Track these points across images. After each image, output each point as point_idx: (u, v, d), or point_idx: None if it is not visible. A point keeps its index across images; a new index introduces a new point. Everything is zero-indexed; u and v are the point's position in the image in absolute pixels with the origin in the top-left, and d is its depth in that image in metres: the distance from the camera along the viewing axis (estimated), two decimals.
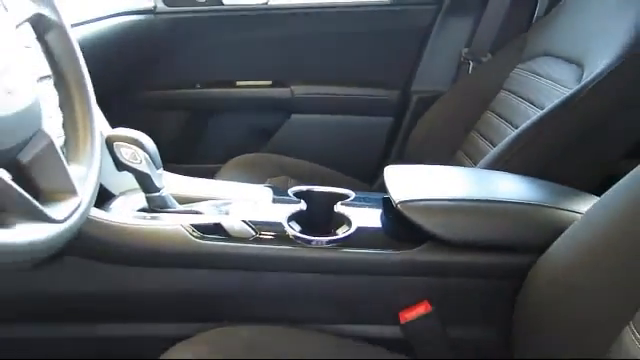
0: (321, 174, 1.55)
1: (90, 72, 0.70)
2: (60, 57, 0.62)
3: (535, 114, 1.11)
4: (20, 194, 0.46)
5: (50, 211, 0.50)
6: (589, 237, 0.71)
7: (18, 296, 0.84)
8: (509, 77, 1.37)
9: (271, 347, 0.79)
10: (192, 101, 1.81)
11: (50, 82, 0.63)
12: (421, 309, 0.84)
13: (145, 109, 1.74)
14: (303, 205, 0.91)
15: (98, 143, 0.66)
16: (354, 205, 0.92)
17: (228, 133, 1.83)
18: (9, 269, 0.80)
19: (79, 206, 0.55)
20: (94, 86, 0.71)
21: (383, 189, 0.87)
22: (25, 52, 0.57)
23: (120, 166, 0.84)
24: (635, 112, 1.07)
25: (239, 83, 1.78)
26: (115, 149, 0.83)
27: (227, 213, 0.88)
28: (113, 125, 0.89)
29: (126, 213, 0.87)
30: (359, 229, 0.85)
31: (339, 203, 0.92)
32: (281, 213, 0.88)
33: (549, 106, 1.07)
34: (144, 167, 0.85)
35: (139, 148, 0.84)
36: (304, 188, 0.95)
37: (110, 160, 0.83)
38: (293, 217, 0.88)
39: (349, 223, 0.86)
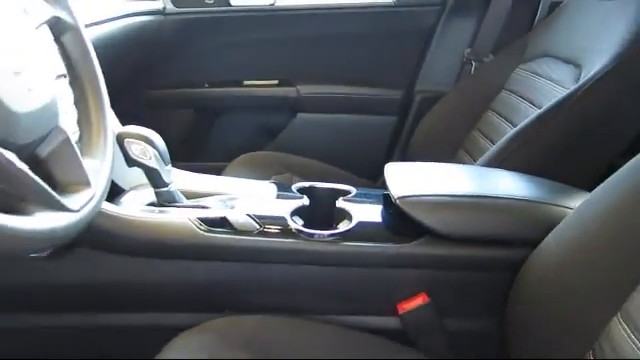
0: (325, 172, 1.57)
1: (102, 71, 0.72)
2: (75, 58, 0.65)
3: (534, 113, 1.12)
4: (39, 185, 0.49)
5: (66, 201, 0.53)
6: (579, 232, 0.72)
7: (33, 286, 0.87)
8: (510, 77, 1.37)
9: (274, 336, 0.81)
10: (200, 100, 1.82)
11: (65, 81, 0.66)
12: (419, 300, 0.85)
13: (154, 108, 1.76)
14: (306, 200, 0.93)
15: (110, 139, 0.68)
16: (355, 201, 0.94)
17: (235, 131, 1.84)
18: (26, 258, 0.84)
19: (93, 197, 0.58)
20: (106, 85, 0.73)
21: (386, 186, 0.89)
22: (43, 53, 0.59)
23: (130, 162, 0.86)
24: (630, 111, 1.08)
25: (246, 82, 1.80)
26: (126, 145, 0.85)
27: (233, 208, 0.90)
28: (123, 123, 0.91)
29: (136, 207, 0.89)
30: (359, 223, 0.87)
31: (341, 199, 0.94)
32: (285, 208, 0.90)
33: (546, 106, 1.08)
34: (153, 163, 0.87)
35: (149, 145, 0.86)
36: (307, 184, 0.97)
37: (121, 156, 0.84)
38: (296, 212, 0.90)
39: (350, 218, 0.88)
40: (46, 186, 0.50)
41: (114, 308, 0.89)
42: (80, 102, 0.66)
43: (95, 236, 0.81)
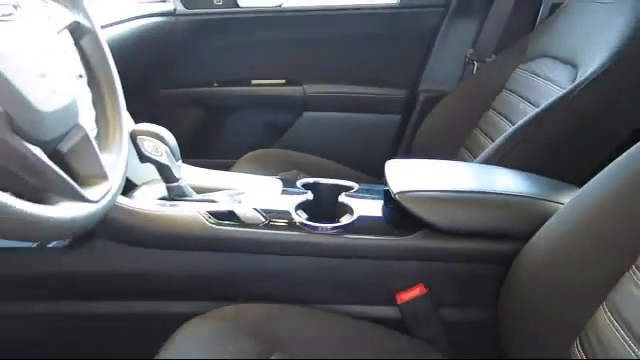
0: (331, 169, 1.58)
1: (117, 71, 0.75)
2: (93, 60, 0.69)
3: (532, 112, 1.13)
4: (62, 177, 0.53)
5: (86, 193, 0.56)
6: (568, 226, 0.74)
7: (51, 275, 0.90)
8: (511, 77, 1.39)
9: (279, 324, 0.83)
10: (209, 99, 1.83)
11: (84, 81, 0.69)
12: (416, 291, 0.87)
13: (165, 106, 1.78)
14: (310, 195, 0.95)
15: (126, 135, 0.72)
16: (357, 196, 0.96)
17: (243, 129, 1.85)
18: (46, 249, 0.88)
19: (110, 189, 0.62)
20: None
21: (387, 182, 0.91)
22: (65, 56, 0.63)
23: (143, 158, 0.89)
24: (625, 110, 1.09)
25: (254, 82, 1.82)
26: (138, 142, 0.88)
27: (240, 202, 0.93)
28: (136, 121, 0.93)
29: (148, 201, 0.92)
30: (360, 217, 0.89)
31: (343, 194, 0.96)
32: (289, 202, 0.92)
33: (543, 105, 1.10)
34: (165, 159, 0.90)
35: (160, 142, 0.89)
36: (311, 180, 1.00)
37: (134, 153, 0.87)
38: (300, 206, 0.93)
39: (352, 212, 0.91)
40: (68, 178, 0.54)
41: (127, 296, 0.91)
42: (97, 101, 0.70)
43: (110, 228, 0.84)
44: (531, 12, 1.60)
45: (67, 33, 0.65)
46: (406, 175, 0.92)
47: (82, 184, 0.58)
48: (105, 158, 0.64)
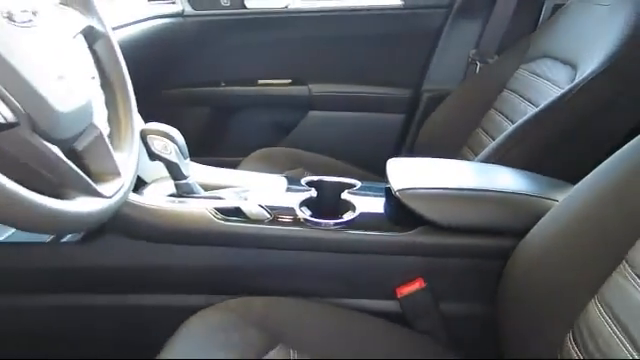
0: (336, 167, 1.59)
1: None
2: (106, 62, 0.71)
3: (531, 112, 1.14)
4: (78, 174, 0.56)
5: (100, 188, 0.59)
6: (562, 222, 0.76)
7: (65, 269, 0.92)
8: (512, 77, 1.40)
9: (284, 316, 0.85)
10: (216, 98, 1.84)
11: (97, 83, 0.72)
12: (416, 285, 0.89)
13: (173, 105, 1.80)
14: (314, 193, 0.97)
15: (137, 135, 0.74)
16: (359, 193, 0.98)
17: (249, 128, 1.87)
18: (60, 244, 0.91)
19: (123, 185, 0.64)
20: None
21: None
22: (80, 59, 0.66)
23: (152, 156, 0.91)
24: (623, 110, 1.10)
25: (260, 81, 1.83)
26: (148, 141, 0.90)
27: (246, 199, 0.94)
28: (146, 120, 0.94)
29: (157, 197, 0.93)
30: (362, 214, 0.91)
31: (346, 191, 0.98)
32: (294, 199, 0.94)
33: (542, 105, 1.11)
34: (173, 157, 0.91)
35: (169, 140, 0.91)
36: (315, 178, 1.02)
37: (143, 151, 0.89)
38: (304, 203, 0.94)
39: (354, 209, 0.92)
40: (84, 175, 0.57)
41: (137, 289, 0.93)
42: (110, 102, 0.72)
43: (121, 223, 0.87)
44: (533, 13, 1.61)
45: (82, 37, 0.68)
46: (407, 173, 0.94)
47: (96, 180, 0.61)
48: (117, 156, 0.67)
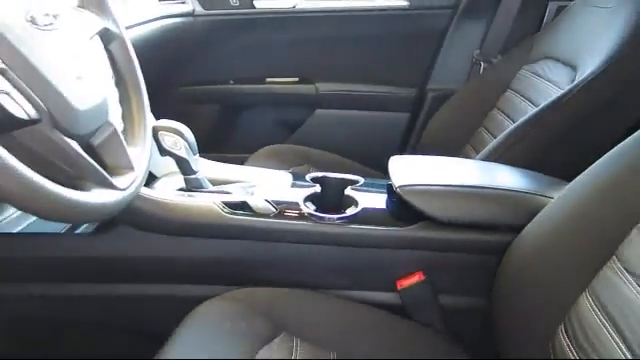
0: (341, 164, 1.60)
1: None
2: (120, 63, 0.74)
3: (531, 112, 1.16)
4: (95, 167, 0.59)
5: (115, 181, 0.62)
6: (556, 218, 0.78)
7: (77, 259, 0.94)
8: (515, 77, 1.41)
9: (286, 306, 0.87)
10: (225, 96, 1.86)
11: (112, 82, 0.75)
12: (416, 278, 0.91)
13: (183, 103, 1.82)
14: (318, 188, 0.99)
15: (149, 131, 0.77)
16: (362, 190, 0.99)
17: (257, 125, 1.89)
18: (73, 235, 0.93)
19: (136, 179, 0.67)
20: None
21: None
22: (96, 59, 0.69)
23: (163, 152, 0.94)
24: (621, 110, 1.12)
25: (268, 80, 1.85)
26: (159, 137, 0.92)
27: (252, 193, 0.96)
28: (157, 117, 0.97)
29: (168, 191, 0.96)
30: (365, 209, 0.93)
31: (349, 187, 0.99)
32: (298, 194, 0.96)
33: (542, 105, 1.13)
34: (183, 153, 0.94)
35: (179, 137, 0.93)
36: (320, 174, 1.02)
37: (154, 147, 0.91)
38: (309, 198, 0.96)
39: (356, 204, 0.94)
40: (100, 168, 0.60)
41: (147, 279, 0.95)
42: (124, 100, 0.75)
43: (133, 216, 0.89)
44: (537, 14, 1.62)
45: (98, 38, 0.71)
46: (408, 170, 0.95)
47: (111, 174, 0.64)
48: (131, 151, 0.70)
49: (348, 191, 0.99)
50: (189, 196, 0.96)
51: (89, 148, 0.62)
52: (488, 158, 1.15)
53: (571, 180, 0.82)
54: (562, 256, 0.74)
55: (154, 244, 0.93)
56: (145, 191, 0.90)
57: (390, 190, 0.96)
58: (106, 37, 0.72)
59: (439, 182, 0.92)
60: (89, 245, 0.95)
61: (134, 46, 0.79)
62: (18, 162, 0.46)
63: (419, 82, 1.78)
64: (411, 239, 0.91)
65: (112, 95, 0.74)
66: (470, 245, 0.91)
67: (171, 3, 1.68)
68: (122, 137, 0.68)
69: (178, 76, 1.79)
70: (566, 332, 0.69)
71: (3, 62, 0.51)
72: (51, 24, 0.58)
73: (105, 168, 0.63)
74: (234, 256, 0.94)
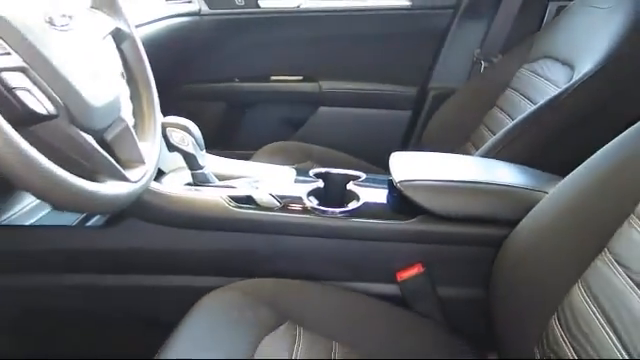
0: (344, 161, 1.60)
1: None
2: (131, 61, 0.77)
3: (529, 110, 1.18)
4: (108, 161, 0.62)
5: (127, 174, 0.65)
6: (550, 213, 0.80)
7: (88, 250, 0.97)
8: (515, 76, 1.42)
9: (290, 296, 0.89)
10: (230, 93, 1.88)
11: (124, 79, 0.78)
12: (415, 270, 0.93)
13: (189, 100, 1.83)
14: (321, 183, 1.01)
15: (159, 127, 0.80)
16: (364, 185, 1.02)
17: (262, 123, 1.91)
18: (85, 227, 0.96)
19: (147, 172, 0.70)
20: None
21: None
22: (109, 57, 0.72)
23: (171, 147, 0.96)
24: (616, 109, 1.12)
25: (272, 78, 1.86)
26: (167, 133, 0.94)
27: (257, 188, 0.98)
28: (164, 114, 0.96)
29: (175, 186, 0.98)
30: (366, 203, 0.95)
31: (351, 182, 1.02)
32: (302, 189, 0.98)
33: (539, 103, 1.15)
34: (190, 149, 0.96)
35: (187, 133, 0.96)
36: (323, 170, 1.05)
37: (162, 143, 0.91)
38: (312, 193, 0.98)
39: (358, 198, 0.96)
40: (113, 162, 0.63)
41: (155, 271, 0.97)
42: (135, 97, 0.78)
43: (142, 209, 0.91)
44: (537, 14, 1.63)
45: (110, 38, 0.74)
46: (408, 166, 0.97)
47: (123, 167, 0.67)
48: (142, 145, 0.73)
49: (350, 186, 1.01)
50: (196, 190, 0.98)
51: (103, 142, 0.65)
52: (487, 155, 1.17)
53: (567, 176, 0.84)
54: (556, 249, 0.76)
55: (162, 236, 0.95)
56: (154, 185, 0.91)
57: (391, 185, 0.98)
58: (118, 37, 0.75)
59: (438, 177, 0.94)
60: (99, 237, 0.97)
61: (143, 45, 0.81)
62: (40, 155, 0.49)
63: (421, 80, 1.80)
64: (411, 232, 0.93)
65: (123, 92, 0.76)
66: (468, 238, 0.92)
67: (177, 3, 1.69)
68: (134, 132, 0.71)
69: (184, 74, 1.81)
70: (559, 322, 0.71)
71: (24, 61, 0.54)
72: (67, 25, 0.61)
73: (118, 162, 0.66)
74: (240, 248, 0.96)
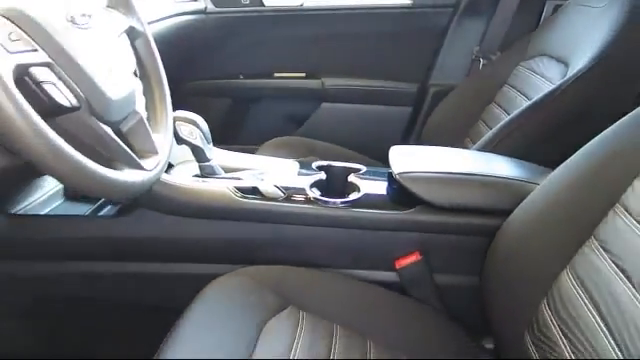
0: (346, 156, 1.63)
1: None
2: (144, 58, 0.81)
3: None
4: (125, 150, 0.66)
5: (142, 163, 0.69)
6: (541, 203, 0.82)
7: (100, 239, 0.99)
8: (512, 73, 1.45)
9: (294, 282, 0.91)
10: (236, 90, 1.91)
11: (137, 75, 0.81)
12: (413, 258, 0.96)
13: (195, 96, 1.86)
14: (323, 175, 1.04)
15: (171, 120, 0.83)
16: (364, 177, 1.05)
17: (266, 118, 1.93)
18: (98, 217, 0.98)
19: (160, 161, 0.74)
20: None
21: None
22: (124, 54, 0.76)
23: (179, 140, 0.99)
24: (608, 104, 1.15)
25: (276, 75, 1.90)
26: (176, 127, 0.97)
27: (262, 179, 1.01)
28: (172, 109, 0.98)
29: (184, 177, 1.01)
30: (366, 194, 0.98)
31: (352, 175, 1.05)
32: (305, 181, 1.01)
33: (534, 99, 1.17)
34: (198, 142, 0.99)
35: (195, 127, 0.99)
36: (325, 163, 1.08)
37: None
38: (314, 184, 1.01)
39: (359, 190, 0.99)
40: (130, 151, 0.67)
41: (164, 258, 1.00)
42: (147, 91, 0.82)
43: (152, 199, 0.94)
44: (534, 13, 1.66)
45: (125, 36, 0.77)
46: (407, 158, 1.00)
47: (138, 156, 0.70)
48: (155, 137, 0.77)
49: (351, 178, 1.04)
50: (204, 181, 1.00)
51: (119, 133, 0.69)
52: (484, 149, 1.20)
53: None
54: (545, 237, 0.79)
55: (171, 226, 0.97)
56: (163, 177, 0.94)
57: (390, 177, 1.00)
58: (132, 34, 0.79)
59: (436, 169, 0.96)
60: (111, 226, 0.99)
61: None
62: (67, 145, 0.53)
63: (421, 77, 1.82)
64: (409, 222, 0.95)
65: (137, 87, 0.79)
66: (463, 228, 0.95)
67: (184, 1, 1.72)
68: (147, 124, 0.75)
69: (191, 71, 1.83)
70: (548, 306, 0.74)
71: (49, 57, 0.58)
72: (87, 23, 0.65)
73: (133, 151, 0.70)
74: (245, 237, 0.98)
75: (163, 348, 0.74)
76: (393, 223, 0.96)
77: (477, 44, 1.75)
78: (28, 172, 0.73)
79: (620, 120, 0.77)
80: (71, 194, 1.13)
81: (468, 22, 1.75)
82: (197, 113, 1.02)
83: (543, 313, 0.75)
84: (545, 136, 1.18)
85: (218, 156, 1.07)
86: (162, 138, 0.80)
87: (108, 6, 0.76)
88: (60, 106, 0.57)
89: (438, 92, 1.75)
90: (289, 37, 1.83)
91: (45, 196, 1.08)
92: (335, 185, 1.03)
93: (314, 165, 1.09)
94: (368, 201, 0.97)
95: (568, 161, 0.82)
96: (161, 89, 0.83)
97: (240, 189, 0.97)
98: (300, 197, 0.98)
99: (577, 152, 0.81)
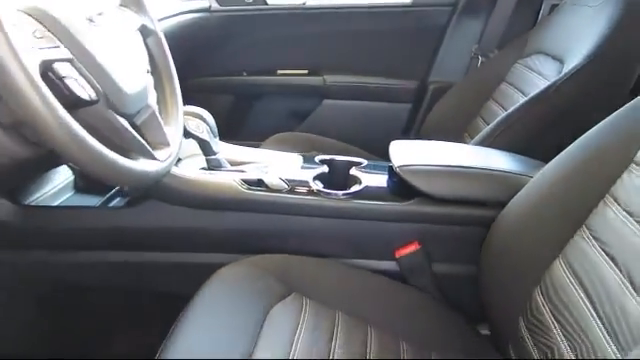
0: (347, 151, 1.62)
1: None
2: (156, 55, 0.84)
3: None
4: (139, 141, 0.70)
5: (156, 154, 0.72)
6: (534, 194, 0.85)
7: (110, 229, 1.02)
8: (510, 71, 1.47)
9: (297, 270, 0.93)
10: (239, 86, 1.94)
11: (150, 71, 0.84)
12: (412, 247, 0.98)
13: (199, 93, 1.85)
14: (325, 169, 1.06)
15: (181, 114, 0.86)
16: (365, 170, 1.07)
17: (268, 114, 1.95)
18: (108, 208, 1.01)
19: (171, 153, 0.77)
20: None
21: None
22: (137, 51, 0.79)
23: (187, 134, 1.01)
24: (601, 101, 1.17)
25: (279, 72, 1.91)
26: (184, 121, 0.96)
27: (267, 172, 1.03)
28: None
29: (191, 170, 1.03)
30: (367, 187, 1.01)
31: (354, 168, 1.07)
32: (308, 174, 1.03)
33: (530, 95, 1.20)
34: (205, 136, 1.02)
35: (202, 121, 1.02)
36: (327, 157, 1.11)
37: None
38: (317, 177, 1.04)
39: (360, 182, 1.02)
40: (144, 142, 0.71)
41: (173, 248, 1.02)
42: (158, 86, 0.85)
43: (161, 191, 0.97)
44: (532, 12, 1.68)
45: (138, 33, 0.81)
46: (407, 152, 1.03)
47: (152, 148, 0.74)
48: (167, 130, 0.80)
49: (353, 171, 1.07)
50: (210, 174, 1.03)
51: (134, 126, 0.72)
52: (481, 143, 1.22)
53: None
54: (539, 227, 0.81)
55: (179, 216, 0.99)
56: (172, 169, 0.94)
57: (390, 170, 1.03)
58: (144, 32, 0.82)
59: (434, 163, 0.99)
60: (122, 217, 1.02)
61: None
62: (89, 135, 0.57)
63: (421, 75, 1.84)
64: (408, 213, 0.98)
65: (149, 82, 0.82)
66: (460, 218, 0.98)
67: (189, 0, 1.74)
68: (159, 117, 0.78)
69: (195, 68, 1.84)
70: (541, 292, 0.77)
71: (71, 53, 0.61)
72: (103, 22, 0.68)
73: (147, 143, 0.73)
74: (250, 227, 1.01)
75: (174, 331, 0.77)
76: (393, 214, 0.98)
77: (476, 42, 1.77)
78: (44, 163, 0.76)
79: (610, 115, 0.80)
80: (81, 187, 1.16)
81: (467, 21, 1.76)
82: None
83: (536, 299, 0.77)
84: (541, 131, 1.20)
85: (224, 150, 1.10)
86: (173, 131, 0.83)
87: (121, 5, 0.79)
88: (81, 100, 0.60)
89: (437, 89, 1.77)
90: (291, 35, 1.85)
91: (56, 189, 1.10)
92: (337, 178, 1.06)
93: (317, 159, 1.11)
94: (369, 193, 1.00)
95: (561, 155, 0.85)
96: (172, 84, 0.86)
97: (246, 181, 0.99)
98: (303, 189, 1.00)
99: (569, 147, 0.84)
